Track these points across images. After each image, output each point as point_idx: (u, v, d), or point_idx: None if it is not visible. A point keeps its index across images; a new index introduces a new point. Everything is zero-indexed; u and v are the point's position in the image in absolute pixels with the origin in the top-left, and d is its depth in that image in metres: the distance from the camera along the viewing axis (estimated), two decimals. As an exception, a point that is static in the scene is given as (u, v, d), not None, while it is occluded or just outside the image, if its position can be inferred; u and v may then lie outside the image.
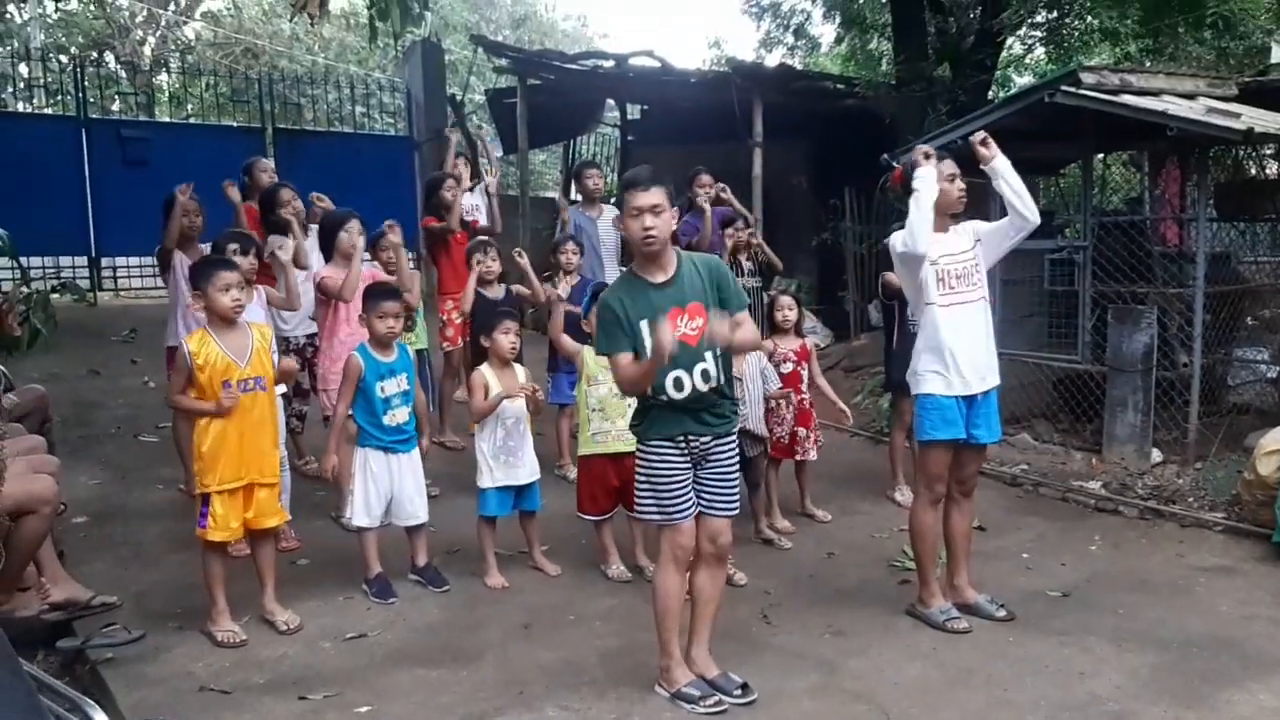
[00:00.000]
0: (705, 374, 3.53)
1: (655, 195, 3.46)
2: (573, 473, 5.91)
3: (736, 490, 3.74)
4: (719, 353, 3.55)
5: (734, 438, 3.73)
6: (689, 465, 3.63)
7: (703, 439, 3.62)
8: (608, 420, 4.85)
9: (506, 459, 4.86)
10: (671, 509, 3.61)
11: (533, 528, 5.05)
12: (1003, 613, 4.46)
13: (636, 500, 3.72)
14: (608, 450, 4.85)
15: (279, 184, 6.29)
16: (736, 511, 3.76)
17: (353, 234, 5.54)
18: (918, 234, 4.20)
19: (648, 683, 3.81)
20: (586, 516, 4.96)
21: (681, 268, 3.57)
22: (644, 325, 3.47)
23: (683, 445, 3.60)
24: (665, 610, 3.67)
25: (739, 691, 3.68)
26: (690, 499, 3.64)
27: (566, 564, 5.02)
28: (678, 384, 3.51)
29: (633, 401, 4.79)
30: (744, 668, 3.83)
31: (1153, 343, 6.42)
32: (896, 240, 4.33)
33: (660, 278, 3.55)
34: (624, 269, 3.62)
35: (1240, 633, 4.31)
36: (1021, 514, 5.98)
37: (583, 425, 4.95)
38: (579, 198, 7.71)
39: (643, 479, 3.65)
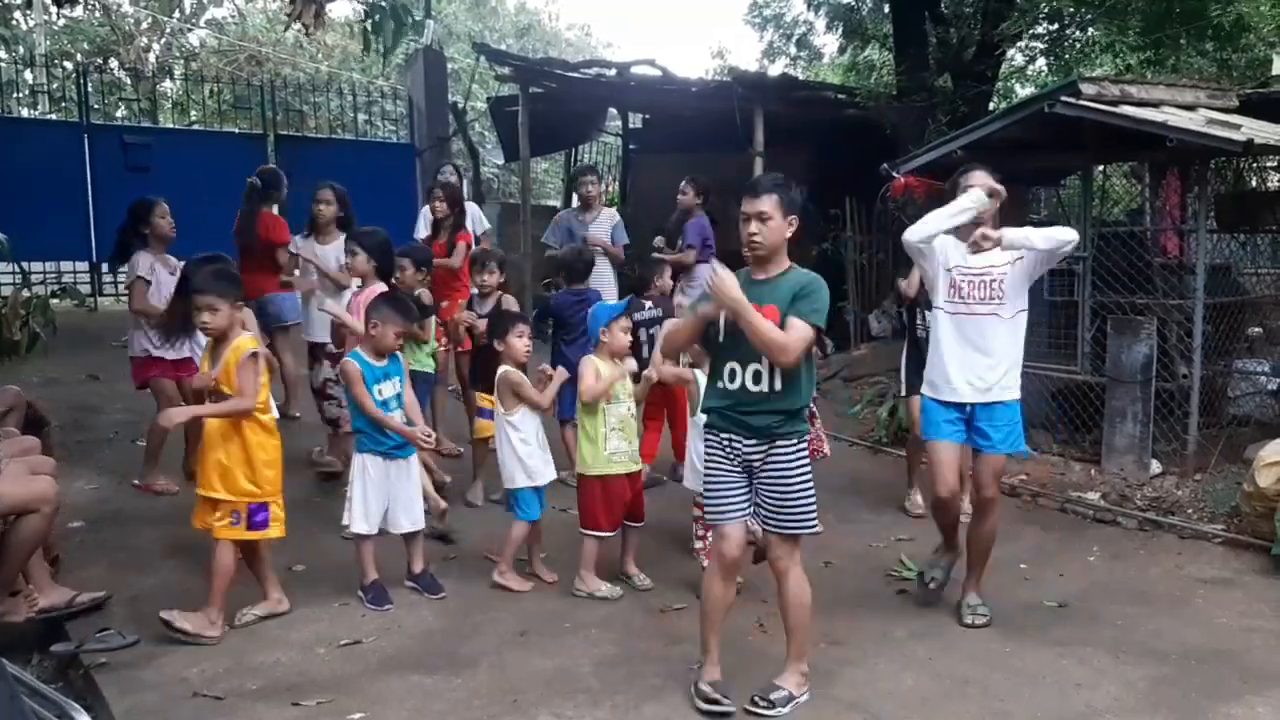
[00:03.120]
0: (757, 374, 3.60)
1: (764, 203, 3.59)
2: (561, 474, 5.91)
3: (790, 508, 3.63)
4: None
5: (792, 450, 3.65)
6: (738, 470, 3.67)
7: (747, 443, 3.64)
8: (625, 440, 4.83)
9: (549, 451, 4.94)
10: (718, 509, 3.67)
11: (536, 533, 5.02)
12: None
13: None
14: (623, 470, 4.83)
15: (322, 184, 6.46)
16: (791, 531, 3.66)
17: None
18: (923, 230, 4.34)
19: (643, 691, 3.82)
20: (599, 533, 4.81)
21: (785, 275, 3.68)
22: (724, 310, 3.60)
23: (727, 448, 3.66)
24: (703, 609, 3.77)
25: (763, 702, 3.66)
26: (736, 506, 3.66)
27: (564, 572, 5.00)
28: (731, 375, 3.63)
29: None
30: (740, 677, 3.80)
31: (1152, 354, 6.41)
32: (908, 231, 4.44)
33: (760, 276, 3.69)
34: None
35: (1239, 645, 4.30)
36: (1020, 524, 5.95)
37: (597, 444, 4.82)
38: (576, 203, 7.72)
39: (705, 473, 3.77)
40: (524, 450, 4.85)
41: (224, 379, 4.26)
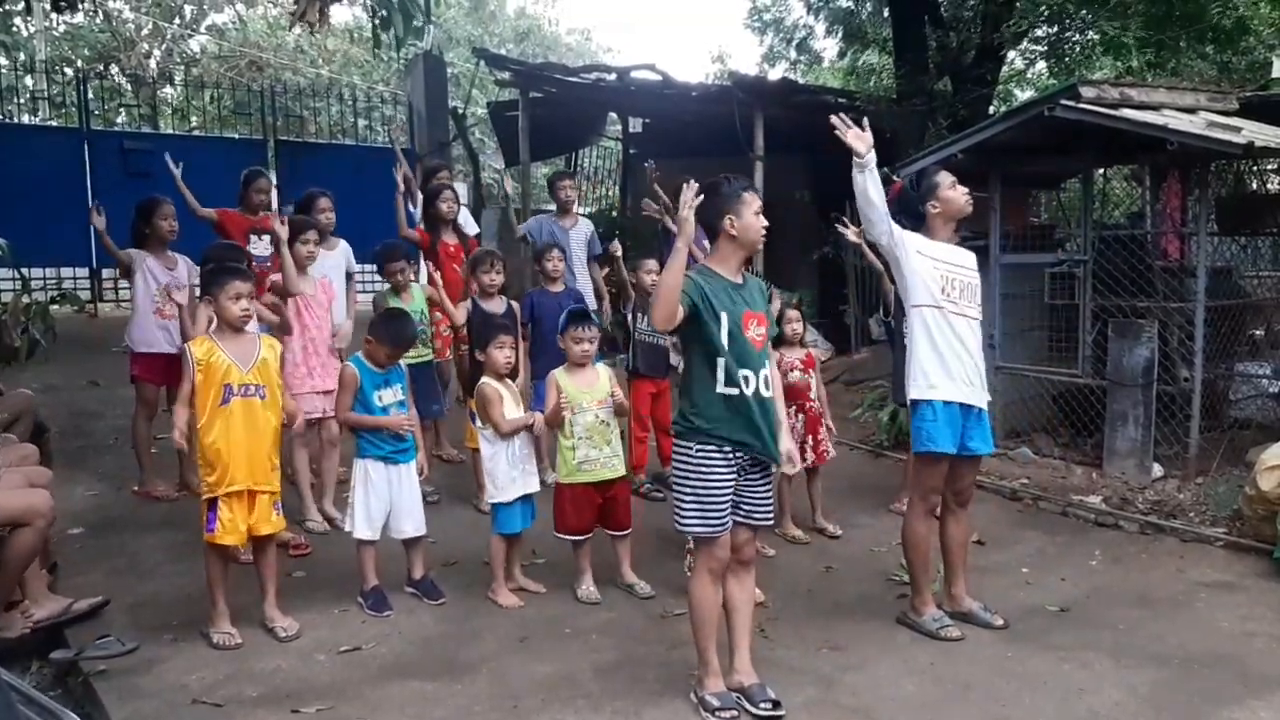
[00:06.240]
0: (767, 380, 3.68)
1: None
2: (550, 475, 5.91)
3: (770, 501, 3.83)
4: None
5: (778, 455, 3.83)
6: (734, 475, 3.66)
7: (750, 449, 3.66)
8: (595, 448, 4.78)
9: (524, 466, 4.82)
10: (715, 521, 3.63)
11: (515, 545, 4.95)
12: (999, 620, 4.46)
13: (677, 509, 3.70)
14: (595, 478, 4.79)
15: (319, 191, 6.48)
16: (769, 522, 3.90)
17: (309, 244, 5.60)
18: (871, 219, 4.22)
19: (644, 696, 3.81)
20: (568, 536, 4.85)
21: (748, 279, 3.76)
22: (725, 316, 3.59)
23: (730, 455, 3.62)
24: (701, 619, 3.73)
25: (766, 705, 3.67)
26: (728, 514, 3.66)
27: (561, 577, 4.98)
28: (746, 381, 3.62)
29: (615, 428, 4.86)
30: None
31: (1153, 357, 6.40)
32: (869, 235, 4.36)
33: (738, 280, 3.72)
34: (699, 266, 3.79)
35: (1241, 649, 4.28)
36: (1021, 528, 5.95)
37: (565, 453, 4.81)
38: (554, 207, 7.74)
39: (686, 487, 3.65)
40: (491, 464, 4.80)
41: (264, 375, 4.31)
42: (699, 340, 3.64)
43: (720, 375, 3.61)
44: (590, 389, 4.82)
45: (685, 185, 3.57)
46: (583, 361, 4.84)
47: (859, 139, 4.06)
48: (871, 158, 4.09)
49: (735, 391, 3.61)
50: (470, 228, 7.48)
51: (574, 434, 4.77)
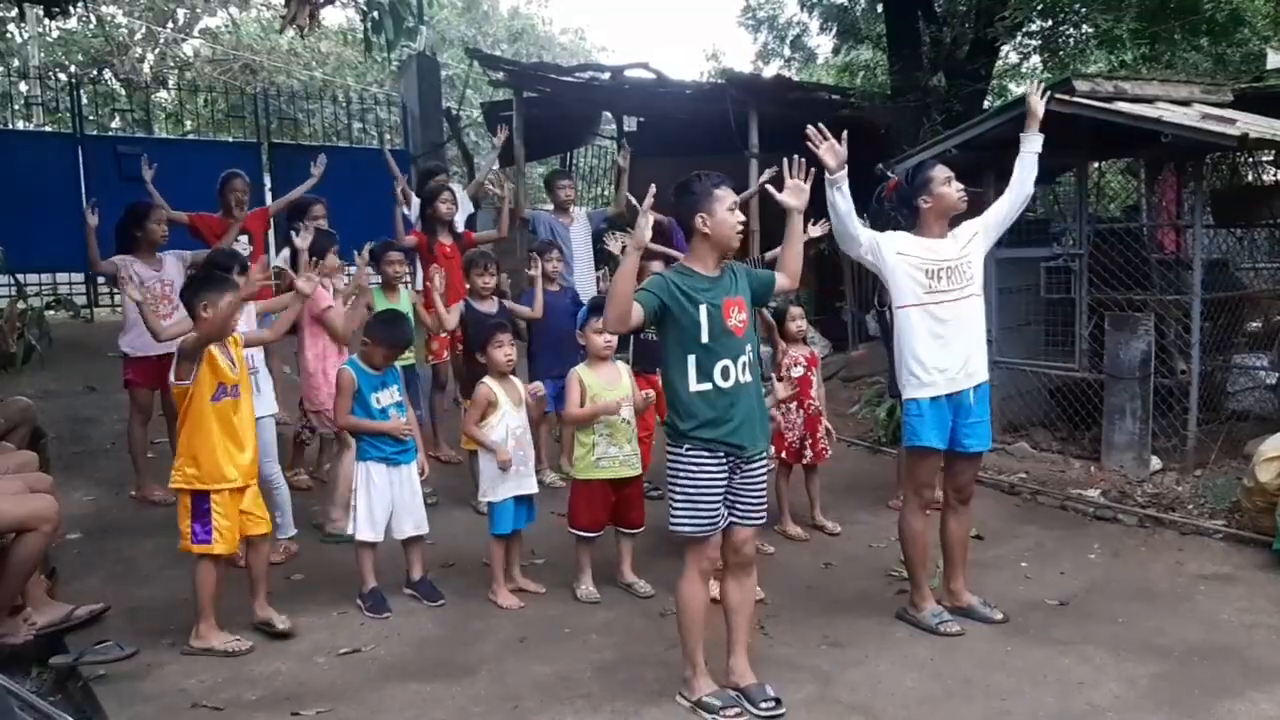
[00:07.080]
0: (745, 365, 3.64)
1: None
2: (549, 476, 5.89)
3: (765, 500, 3.81)
4: (757, 346, 3.72)
5: (768, 447, 3.85)
6: (726, 475, 3.64)
7: (741, 448, 3.63)
8: (615, 445, 4.77)
9: (518, 468, 4.80)
10: (706, 522, 3.62)
11: (514, 545, 4.94)
12: (999, 615, 4.47)
13: (671, 510, 3.68)
14: (612, 476, 4.79)
15: (313, 198, 6.60)
16: (764, 521, 3.86)
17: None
18: (843, 235, 4.31)
19: (643, 696, 3.80)
20: (582, 532, 4.84)
21: (726, 270, 3.74)
22: (704, 306, 3.58)
23: (720, 455, 3.60)
24: (691, 621, 3.71)
25: (767, 704, 3.65)
26: (722, 511, 3.65)
27: (560, 577, 4.97)
28: (724, 373, 3.59)
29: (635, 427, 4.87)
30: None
31: (1150, 350, 6.40)
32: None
33: (715, 273, 3.69)
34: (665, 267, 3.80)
35: (1241, 641, 4.28)
36: (1020, 523, 5.95)
37: (583, 449, 4.81)
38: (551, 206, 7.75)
39: (679, 488, 3.63)
40: (484, 461, 4.79)
41: (243, 374, 4.33)
42: (672, 338, 3.62)
43: (692, 373, 3.58)
44: (613, 386, 4.81)
45: (647, 191, 3.57)
46: (604, 355, 4.83)
47: (831, 153, 4.11)
48: (842, 175, 4.14)
49: (709, 387, 3.57)
50: (466, 207, 7.48)
51: (595, 430, 4.77)
